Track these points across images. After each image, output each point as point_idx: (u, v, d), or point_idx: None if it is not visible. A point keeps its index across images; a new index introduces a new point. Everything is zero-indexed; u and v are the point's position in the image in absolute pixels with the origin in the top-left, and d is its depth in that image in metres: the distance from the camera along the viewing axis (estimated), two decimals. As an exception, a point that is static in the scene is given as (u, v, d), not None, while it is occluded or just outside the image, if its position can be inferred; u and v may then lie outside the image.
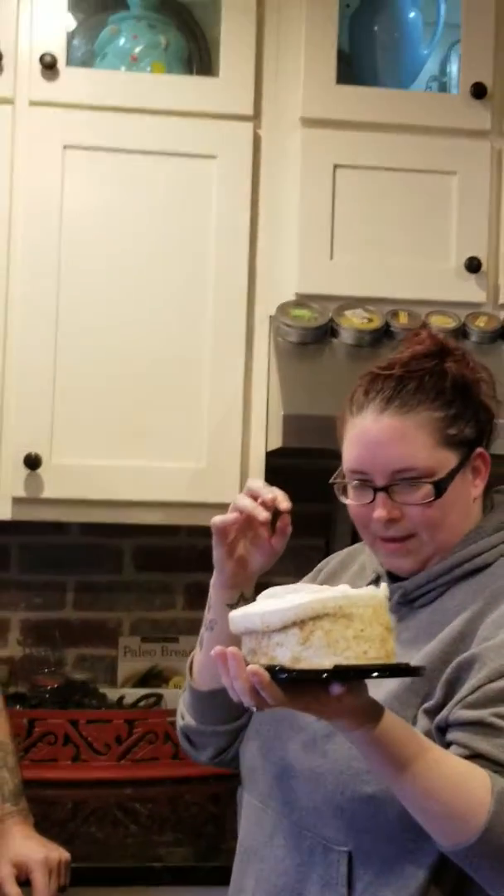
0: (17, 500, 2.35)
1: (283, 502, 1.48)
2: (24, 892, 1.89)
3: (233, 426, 2.42)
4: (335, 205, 2.45)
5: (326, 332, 2.40)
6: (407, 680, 1.40)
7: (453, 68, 2.66)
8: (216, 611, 1.54)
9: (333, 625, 1.19)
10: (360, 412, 1.49)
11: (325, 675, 1.19)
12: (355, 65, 2.61)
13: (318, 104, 2.45)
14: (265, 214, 2.46)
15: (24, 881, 1.90)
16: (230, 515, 1.49)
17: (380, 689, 1.35)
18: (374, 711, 1.26)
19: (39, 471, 2.34)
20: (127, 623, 2.76)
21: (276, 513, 1.48)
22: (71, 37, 2.50)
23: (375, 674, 1.21)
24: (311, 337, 2.39)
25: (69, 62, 2.42)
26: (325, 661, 1.19)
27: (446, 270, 2.48)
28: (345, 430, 1.52)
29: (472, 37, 2.50)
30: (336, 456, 1.53)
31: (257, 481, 1.51)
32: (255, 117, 2.46)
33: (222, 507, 1.52)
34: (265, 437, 2.42)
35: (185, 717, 1.64)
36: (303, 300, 2.43)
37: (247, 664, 1.22)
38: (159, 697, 2.61)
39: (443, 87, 2.70)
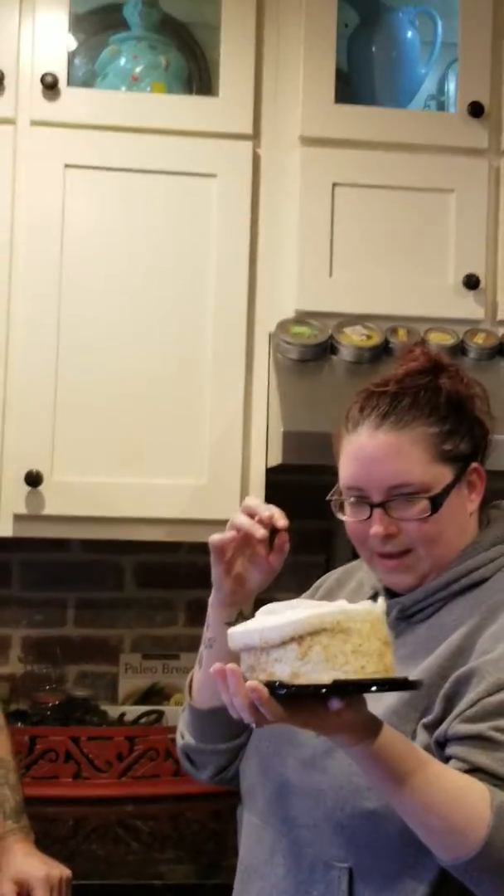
0: (18, 517, 2.36)
1: (281, 520, 1.49)
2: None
3: (233, 443, 2.43)
4: (334, 223, 2.46)
5: (326, 349, 2.41)
6: (406, 695, 1.40)
7: (451, 87, 2.68)
8: (215, 629, 1.54)
9: (331, 640, 1.20)
10: (356, 429, 1.50)
11: (323, 690, 1.19)
12: (354, 84, 2.63)
13: (316, 123, 2.46)
14: (265, 232, 2.47)
15: (26, 899, 1.90)
16: (228, 533, 1.49)
17: (378, 704, 1.35)
18: (372, 726, 1.26)
19: (40, 488, 2.35)
20: (128, 640, 2.76)
21: (273, 530, 1.49)
22: (72, 57, 2.52)
23: (374, 688, 1.21)
24: (310, 354, 2.40)
25: (70, 82, 2.45)
26: (324, 677, 1.19)
27: (445, 287, 2.49)
28: (341, 446, 1.53)
29: (470, 56, 2.52)
30: (336, 472, 1.54)
31: (254, 499, 1.52)
32: (255, 136, 2.47)
33: (223, 524, 1.52)
34: (265, 453, 2.42)
35: (185, 736, 1.64)
36: (302, 317, 2.44)
37: (246, 680, 1.22)
38: (160, 714, 2.61)
39: (440, 106, 2.72)
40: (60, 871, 1.93)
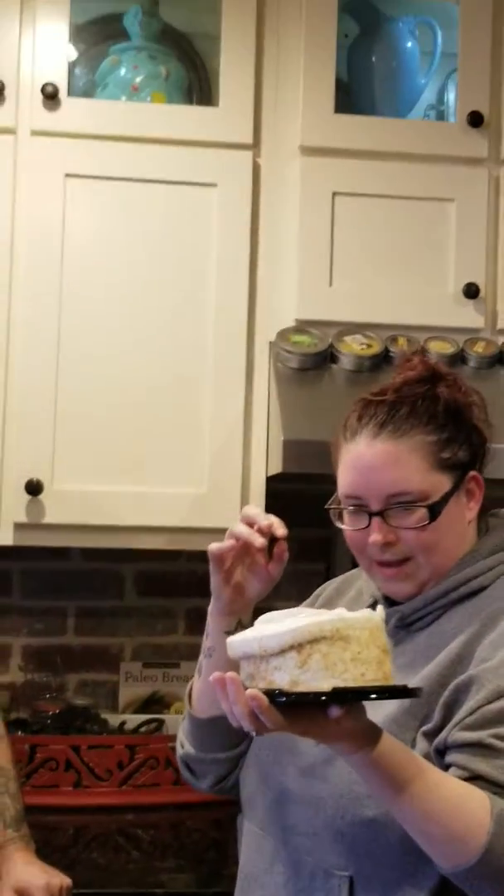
0: (18, 526, 2.36)
1: (280, 529, 1.49)
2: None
3: (233, 451, 2.43)
4: (334, 232, 2.47)
5: (326, 358, 2.42)
6: (405, 703, 1.41)
7: (450, 97, 2.69)
8: (214, 638, 1.54)
9: (331, 648, 1.20)
10: (354, 438, 1.51)
11: (323, 697, 1.20)
12: (354, 94, 2.63)
13: (316, 133, 2.47)
14: (265, 241, 2.48)
15: (26, 907, 1.89)
16: (227, 542, 1.49)
17: (378, 712, 1.35)
18: (372, 734, 1.27)
19: (41, 496, 2.35)
20: (128, 648, 2.76)
21: (272, 539, 1.49)
22: (72, 67, 2.53)
23: (374, 695, 1.21)
24: (310, 363, 2.41)
25: (70, 92, 2.45)
26: (324, 684, 1.19)
27: (445, 296, 2.50)
28: (339, 455, 1.53)
29: (469, 66, 2.53)
30: (336, 481, 1.54)
31: (253, 508, 1.52)
32: (255, 146, 2.48)
33: (223, 533, 1.52)
34: (266, 462, 2.43)
35: (184, 746, 1.64)
36: (302, 326, 2.44)
37: (245, 689, 1.22)
38: (161, 723, 2.61)
39: (440, 116, 2.72)
40: (61, 879, 1.93)
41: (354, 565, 1.67)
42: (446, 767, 1.35)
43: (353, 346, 2.42)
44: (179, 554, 2.71)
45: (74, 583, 2.75)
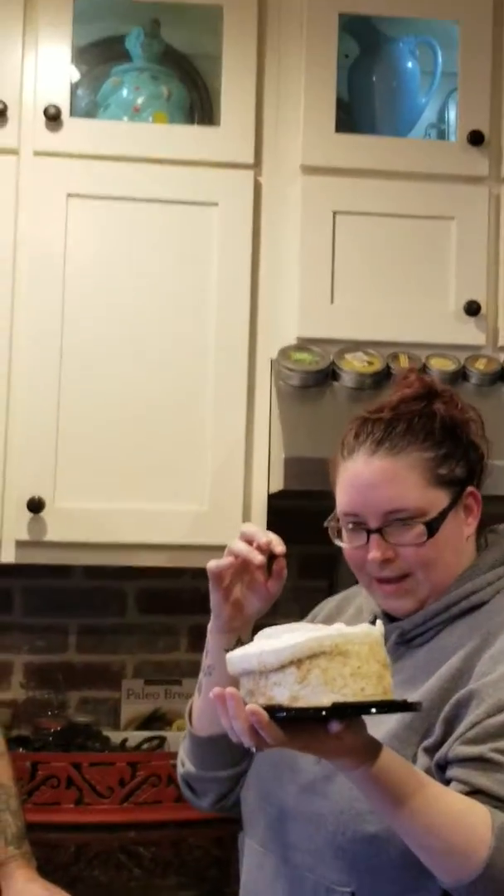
0: (20, 544, 2.37)
1: (278, 546, 1.49)
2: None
3: (235, 469, 2.44)
4: (335, 250, 2.48)
5: (327, 376, 2.42)
6: (406, 719, 1.41)
7: (451, 116, 2.71)
8: (214, 656, 1.55)
9: (330, 663, 1.20)
10: (352, 455, 1.51)
11: (323, 712, 1.20)
12: (354, 113, 2.65)
13: (317, 152, 2.48)
14: (266, 260, 2.49)
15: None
16: (225, 560, 1.50)
17: (379, 728, 1.36)
18: (372, 749, 1.27)
19: (42, 514, 2.36)
20: (130, 665, 2.76)
21: (271, 556, 1.49)
22: (74, 88, 2.55)
23: (374, 710, 1.22)
24: (312, 380, 2.41)
25: (73, 113, 2.47)
26: (323, 699, 1.20)
27: (446, 314, 2.51)
28: (337, 473, 1.54)
29: (469, 85, 2.54)
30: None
31: (252, 525, 1.53)
32: (256, 165, 2.49)
33: (225, 550, 1.53)
34: (267, 479, 2.43)
35: (185, 764, 1.64)
36: (304, 344, 2.45)
37: (245, 705, 1.23)
38: (162, 740, 2.60)
39: (441, 135, 2.74)
40: (62, 897, 1.93)
41: (356, 582, 1.67)
42: (447, 782, 1.36)
43: (355, 364, 2.42)
44: (181, 571, 2.71)
45: (76, 600, 2.75)
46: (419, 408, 1.52)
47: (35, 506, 2.35)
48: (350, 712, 1.21)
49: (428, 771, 1.37)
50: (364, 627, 1.25)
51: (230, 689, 1.24)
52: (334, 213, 2.48)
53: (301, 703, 1.20)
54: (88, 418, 2.41)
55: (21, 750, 2.49)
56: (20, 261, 2.40)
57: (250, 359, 2.46)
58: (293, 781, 1.50)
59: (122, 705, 2.73)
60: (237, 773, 1.61)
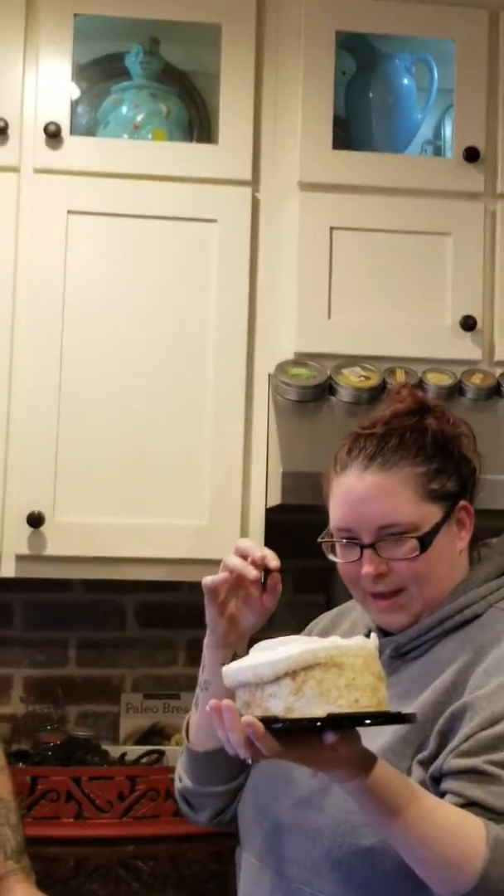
0: (20, 558, 2.38)
1: (273, 560, 1.50)
2: None
3: (233, 483, 2.44)
4: (332, 266, 2.50)
5: (325, 391, 2.44)
6: (401, 732, 1.41)
7: (447, 132, 2.72)
8: (210, 671, 1.55)
9: (325, 674, 1.21)
10: (344, 471, 1.52)
11: (318, 723, 1.21)
12: (351, 130, 2.67)
13: (314, 169, 2.50)
14: (264, 275, 2.50)
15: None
16: (220, 575, 1.51)
17: (374, 740, 1.36)
18: (367, 761, 1.27)
19: (42, 529, 2.37)
20: (129, 680, 2.76)
21: (266, 571, 1.50)
22: (75, 105, 2.56)
23: (368, 721, 1.22)
24: (309, 395, 2.43)
25: (73, 131, 2.49)
26: (318, 711, 1.20)
27: (442, 329, 2.52)
28: (330, 489, 1.55)
29: (465, 102, 2.56)
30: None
31: (246, 540, 1.54)
32: (254, 182, 2.51)
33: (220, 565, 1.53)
34: (265, 493, 2.44)
35: (182, 780, 1.65)
36: (301, 359, 2.47)
37: (241, 716, 1.23)
38: (161, 754, 2.60)
39: (437, 151, 2.75)
40: (61, 910, 1.92)
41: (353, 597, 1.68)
42: (442, 795, 1.36)
43: (352, 379, 2.44)
44: (180, 585, 2.72)
45: (76, 614, 2.75)
46: (411, 423, 1.53)
47: (35, 520, 2.36)
48: (345, 723, 1.22)
49: (423, 784, 1.37)
50: (358, 640, 1.26)
51: (226, 701, 1.25)
52: (331, 229, 2.50)
53: (296, 715, 1.21)
54: (88, 433, 2.42)
55: (21, 764, 2.49)
56: (20, 277, 2.42)
57: (248, 373, 2.48)
58: (289, 795, 1.50)
59: (122, 719, 2.73)
60: (234, 788, 1.62)
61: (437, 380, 2.44)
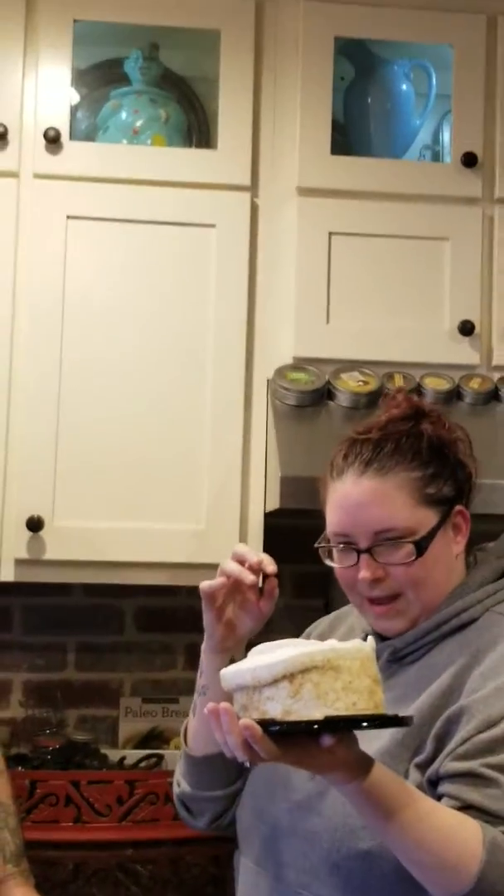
0: (19, 562, 2.38)
1: (270, 565, 1.51)
2: None
3: (232, 488, 2.45)
4: (331, 271, 2.50)
5: (323, 395, 2.44)
6: (398, 735, 1.42)
7: (445, 138, 2.73)
8: (208, 676, 1.56)
9: (322, 677, 1.21)
10: (340, 476, 1.53)
11: (315, 726, 1.21)
12: (350, 135, 2.67)
13: (313, 174, 2.51)
14: (263, 280, 2.51)
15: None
16: (217, 580, 1.51)
17: (371, 744, 1.37)
18: (364, 763, 1.28)
19: (42, 533, 2.37)
20: (128, 684, 2.77)
21: (263, 576, 1.51)
22: (74, 111, 2.57)
23: (365, 724, 1.23)
24: (308, 400, 2.43)
25: (72, 136, 2.49)
26: (316, 713, 1.21)
27: (440, 333, 2.52)
28: (326, 494, 1.55)
29: (463, 108, 2.57)
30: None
31: (243, 546, 1.54)
32: (253, 187, 2.52)
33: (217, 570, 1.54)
34: (264, 498, 2.45)
35: (180, 784, 1.65)
36: (300, 364, 2.47)
37: (239, 719, 1.24)
38: (160, 758, 2.60)
39: (435, 157, 2.76)
40: (60, 914, 1.93)
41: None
42: (439, 798, 1.36)
43: (350, 384, 2.44)
44: (179, 589, 2.72)
45: (75, 618, 2.76)
46: (407, 428, 1.53)
47: (34, 525, 2.36)
48: (342, 726, 1.22)
49: (420, 787, 1.37)
50: (355, 643, 1.26)
51: (224, 704, 1.25)
52: (330, 234, 2.50)
53: (293, 717, 1.21)
54: (87, 438, 2.42)
55: (20, 768, 2.49)
56: (20, 282, 2.43)
57: (247, 378, 2.48)
58: (287, 799, 1.50)
59: (120, 723, 2.73)
60: (233, 793, 1.62)
61: (436, 384, 2.45)
